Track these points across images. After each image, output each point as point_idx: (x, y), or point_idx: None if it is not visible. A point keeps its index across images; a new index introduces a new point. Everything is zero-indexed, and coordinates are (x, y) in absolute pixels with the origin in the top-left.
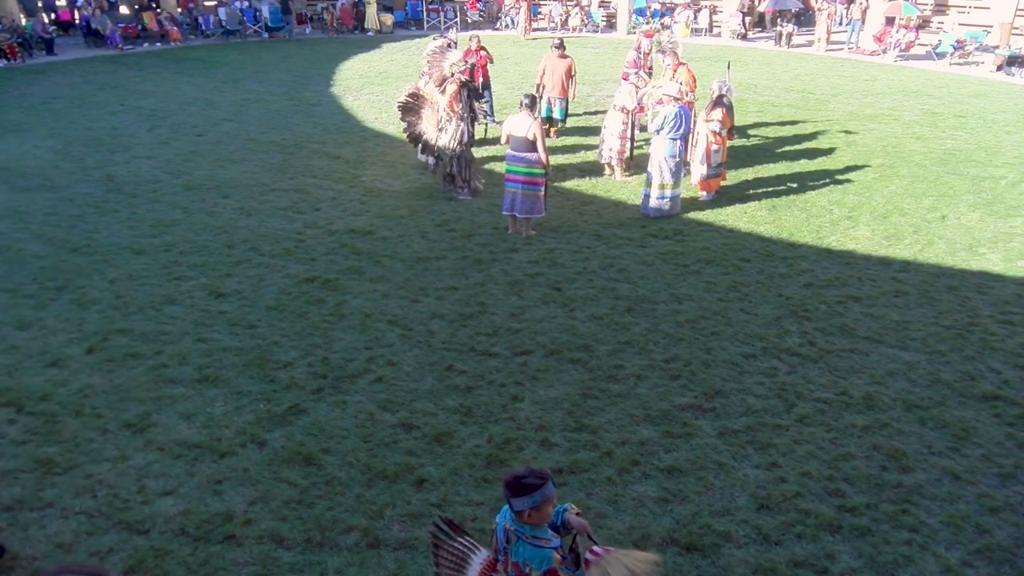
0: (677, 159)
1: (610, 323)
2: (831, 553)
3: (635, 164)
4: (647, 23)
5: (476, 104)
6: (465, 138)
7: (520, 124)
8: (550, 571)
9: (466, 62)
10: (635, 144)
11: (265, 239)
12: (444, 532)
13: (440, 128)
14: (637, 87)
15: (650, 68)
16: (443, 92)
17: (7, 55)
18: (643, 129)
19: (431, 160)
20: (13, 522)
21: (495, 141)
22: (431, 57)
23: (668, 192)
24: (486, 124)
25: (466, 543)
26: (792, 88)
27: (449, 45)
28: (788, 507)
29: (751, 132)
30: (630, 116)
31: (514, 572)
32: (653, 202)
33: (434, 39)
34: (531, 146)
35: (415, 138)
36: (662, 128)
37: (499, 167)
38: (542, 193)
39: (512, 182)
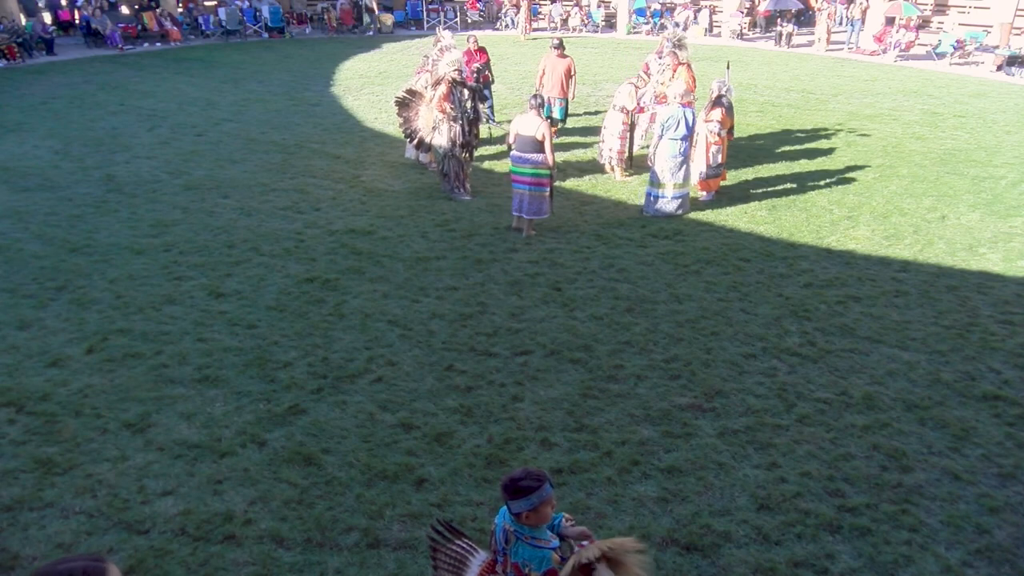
0: (680, 159)
1: (610, 323)
2: (831, 553)
3: (635, 164)
4: (647, 23)
5: (480, 106)
6: (459, 139)
7: (529, 124)
8: (550, 572)
9: (474, 65)
10: (634, 144)
11: (265, 239)
12: (442, 535)
13: (434, 127)
14: (636, 87)
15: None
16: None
17: (7, 55)
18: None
19: (422, 156)
20: (13, 522)
21: (496, 141)
22: (436, 55)
23: (670, 192)
24: (489, 126)
25: (464, 545)
26: (792, 88)
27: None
28: (788, 507)
29: (751, 132)
30: (630, 116)
31: (513, 573)
32: (657, 203)
33: (440, 31)
34: (537, 147)
35: (411, 135)
36: (663, 131)
37: (499, 167)
38: (547, 194)
39: (519, 183)
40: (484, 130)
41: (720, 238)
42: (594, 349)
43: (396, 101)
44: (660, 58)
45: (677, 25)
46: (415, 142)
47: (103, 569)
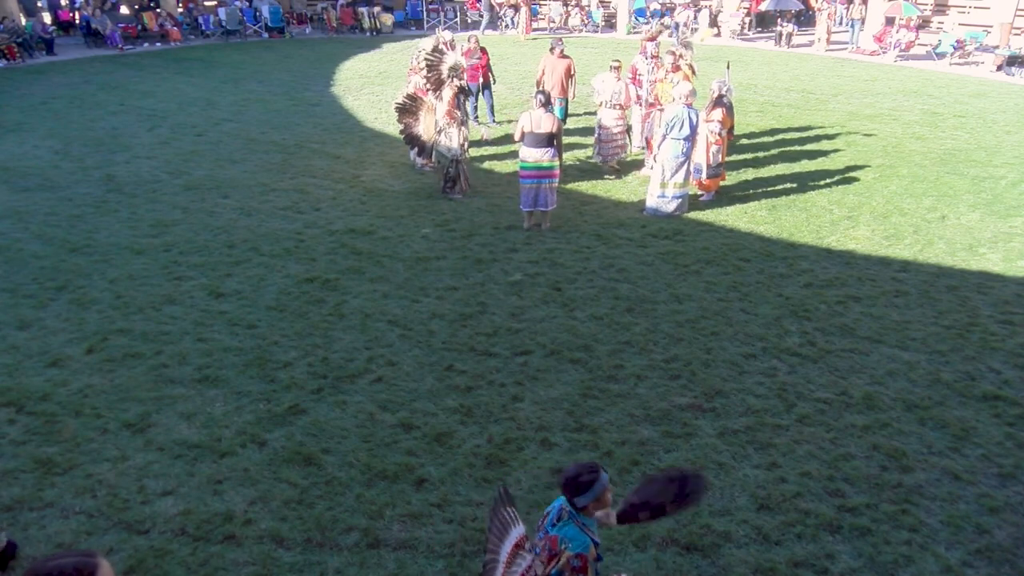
0: (682, 159)
1: (610, 323)
2: (831, 553)
3: (633, 163)
4: (647, 23)
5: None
6: (467, 143)
7: (544, 121)
8: (581, 556)
9: (477, 53)
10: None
11: (265, 239)
12: (502, 498)
13: (439, 131)
14: (618, 78)
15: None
16: (439, 98)
17: (7, 55)
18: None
19: (419, 161)
20: (13, 522)
21: (494, 142)
22: (430, 58)
23: (670, 192)
24: (489, 125)
25: (511, 513)
26: (792, 88)
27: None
28: (788, 507)
29: (751, 132)
30: (625, 112)
31: (548, 547)
32: (657, 202)
33: (440, 31)
34: (548, 141)
35: (411, 140)
36: (668, 131)
37: (499, 167)
38: (558, 184)
39: (533, 178)
40: (477, 131)
41: (720, 238)
42: (594, 349)
43: (396, 107)
44: (647, 59)
45: (677, 26)
46: (417, 149)
47: (95, 565)
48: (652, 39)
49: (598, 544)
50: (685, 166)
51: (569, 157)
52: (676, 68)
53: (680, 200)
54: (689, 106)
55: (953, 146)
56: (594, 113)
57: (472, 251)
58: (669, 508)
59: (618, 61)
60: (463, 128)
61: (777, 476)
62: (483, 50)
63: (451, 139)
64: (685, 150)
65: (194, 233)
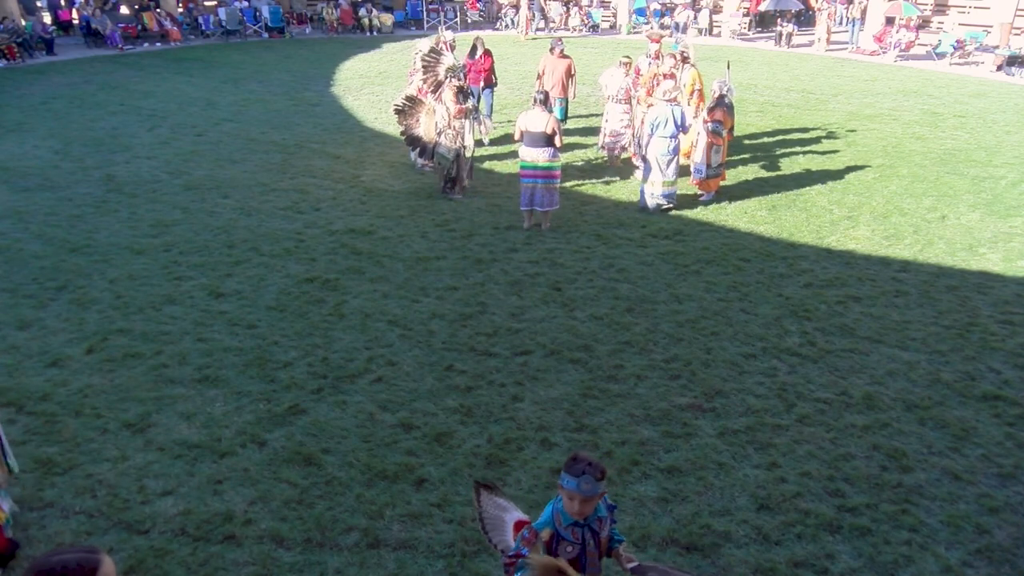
0: (669, 156)
1: (610, 323)
2: (831, 553)
3: (631, 161)
4: (647, 23)
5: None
6: (469, 141)
7: (537, 120)
8: (532, 531)
9: (476, 53)
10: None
11: (265, 239)
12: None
13: (439, 132)
14: (626, 73)
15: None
16: (439, 99)
17: (7, 55)
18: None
19: (419, 161)
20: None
21: (494, 142)
22: (427, 59)
23: (659, 189)
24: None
25: (504, 503)
26: (792, 88)
27: (444, 47)
28: (788, 507)
29: (751, 132)
30: (632, 104)
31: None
32: (652, 200)
33: (442, 31)
34: (547, 141)
35: (412, 141)
36: (653, 130)
37: (499, 167)
38: (558, 185)
39: (530, 178)
40: (478, 130)
41: (720, 238)
42: (594, 349)
43: (395, 109)
44: (652, 61)
45: (677, 26)
46: (418, 150)
47: (97, 561)
48: (657, 40)
49: (562, 537)
50: (675, 162)
51: (570, 157)
52: (671, 75)
53: (669, 195)
54: (675, 103)
55: (953, 146)
56: (596, 114)
57: (472, 251)
58: None
59: (628, 58)
60: (465, 128)
61: (777, 476)
62: (487, 52)
63: (451, 140)
64: (672, 147)
65: (194, 233)
